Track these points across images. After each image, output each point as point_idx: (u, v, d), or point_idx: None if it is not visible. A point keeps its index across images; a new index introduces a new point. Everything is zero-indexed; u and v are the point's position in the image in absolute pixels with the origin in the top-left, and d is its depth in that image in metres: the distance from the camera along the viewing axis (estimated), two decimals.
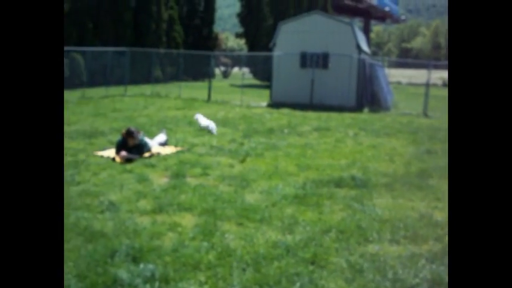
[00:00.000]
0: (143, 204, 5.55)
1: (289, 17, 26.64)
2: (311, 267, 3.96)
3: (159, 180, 6.64)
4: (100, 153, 8.35)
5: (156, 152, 8.37)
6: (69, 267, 3.88)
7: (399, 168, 7.85)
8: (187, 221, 5.02)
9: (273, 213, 5.28)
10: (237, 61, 51.96)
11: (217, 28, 51.56)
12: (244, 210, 5.35)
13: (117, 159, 7.74)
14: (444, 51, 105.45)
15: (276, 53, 20.28)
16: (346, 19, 33.13)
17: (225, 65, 54.32)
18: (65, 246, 4.30)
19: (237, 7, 50.93)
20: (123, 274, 3.69)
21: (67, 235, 4.53)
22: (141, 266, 3.86)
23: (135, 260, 4.00)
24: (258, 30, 41.24)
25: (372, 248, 4.43)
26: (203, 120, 11.55)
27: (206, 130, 11.21)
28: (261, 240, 4.51)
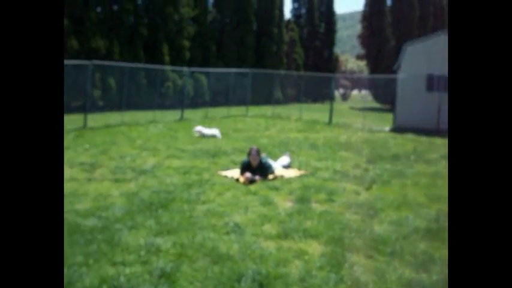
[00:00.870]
0: (268, 228, 5.45)
1: (413, 38, 25.77)
2: None
3: (284, 204, 6.54)
4: (224, 173, 8.45)
5: (280, 174, 8.31)
6: (196, 287, 3.86)
7: None
8: (314, 249, 4.83)
9: (404, 247, 4.93)
10: (357, 83, 51.28)
11: (336, 50, 51.37)
12: (373, 241, 5.06)
13: (241, 180, 7.77)
14: None
15: (401, 75, 19.64)
16: None
17: (344, 87, 53.83)
18: (192, 265, 4.31)
19: (356, 29, 50.53)
20: None
21: (194, 255, 4.55)
22: None
23: (262, 287, 3.89)
24: (379, 52, 40.51)
25: None
26: (206, 130, 13.86)
27: (211, 137, 13.58)
28: (393, 276, 4.20)
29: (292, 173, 8.63)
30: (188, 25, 29.41)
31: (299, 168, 9.10)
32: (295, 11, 46.35)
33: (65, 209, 6.05)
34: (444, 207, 6.64)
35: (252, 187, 7.40)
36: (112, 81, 22.67)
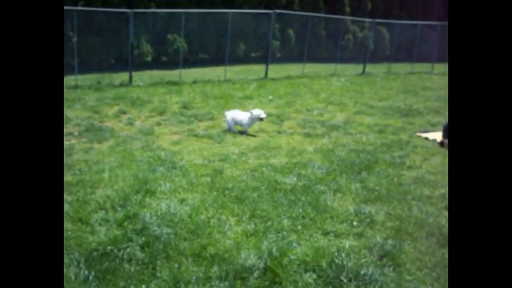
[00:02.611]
0: None
1: None
2: None
3: None
4: (424, 135, 7.56)
5: None
6: (430, 277, 3.20)
7: None
8: None
9: None
10: None
11: None
12: None
13: (445, 144, 6.83)
14: None
15: None
16: None
17: None
18: (416, 246, 3.66)
19: None
20: None
21: (416, 232, 3.89)
22: None
23: None
24: None
25: None
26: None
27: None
28: None
29: None
30: None
31: None
32: None
33: (261, 162, 5.73)
34: None
35: None
36: (291, 32, 22.39)
